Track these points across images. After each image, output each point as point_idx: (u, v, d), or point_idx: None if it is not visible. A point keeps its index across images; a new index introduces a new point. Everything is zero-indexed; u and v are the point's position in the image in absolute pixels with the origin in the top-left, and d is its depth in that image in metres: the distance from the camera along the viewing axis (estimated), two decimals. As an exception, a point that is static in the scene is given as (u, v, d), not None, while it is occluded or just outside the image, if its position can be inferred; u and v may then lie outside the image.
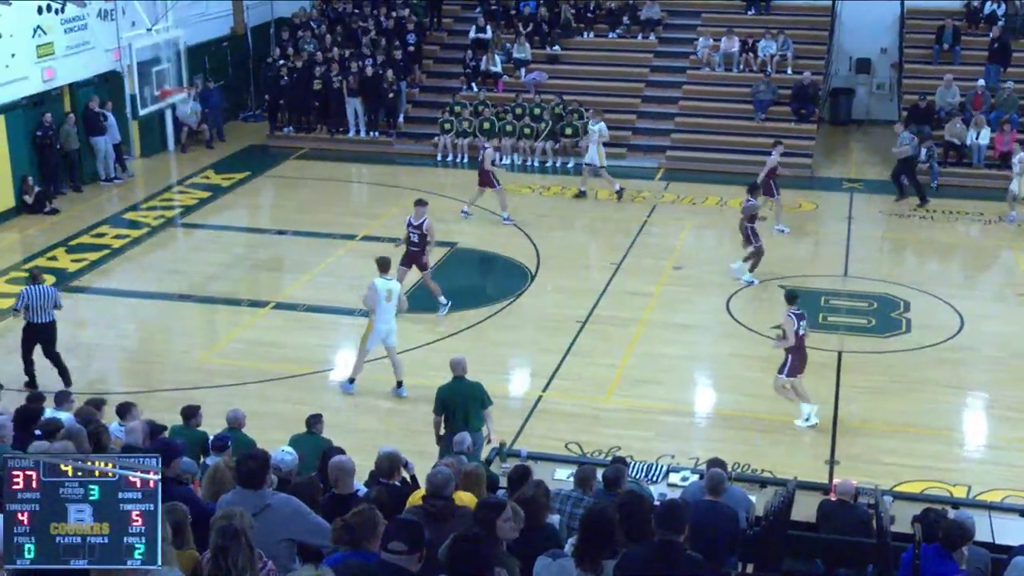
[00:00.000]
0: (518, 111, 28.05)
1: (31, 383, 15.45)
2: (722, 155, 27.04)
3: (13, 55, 23.00)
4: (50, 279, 18.36)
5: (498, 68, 29.71)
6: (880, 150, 27.81)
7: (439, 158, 27.69)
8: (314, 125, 29.47)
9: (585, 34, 31.02)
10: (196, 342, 17.76)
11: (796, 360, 14.52)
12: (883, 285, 19.72)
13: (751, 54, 29.27)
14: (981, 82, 27.10)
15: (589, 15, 31.11)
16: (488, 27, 30.47)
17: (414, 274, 18.21)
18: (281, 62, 29.58)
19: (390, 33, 30.47)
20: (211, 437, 11.57)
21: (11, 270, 20.52)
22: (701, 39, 29.80)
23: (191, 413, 12.14)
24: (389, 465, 9.01)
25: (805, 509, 10.46)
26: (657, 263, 20.80)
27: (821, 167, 27.16)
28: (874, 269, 20.59)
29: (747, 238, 19.43)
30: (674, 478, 11.46)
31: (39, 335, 15.74)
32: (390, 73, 28.54)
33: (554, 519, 8.13)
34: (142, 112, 26.08)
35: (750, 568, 9.50)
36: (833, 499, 10.29)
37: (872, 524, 9.86)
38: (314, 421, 12.07)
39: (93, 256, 21.23)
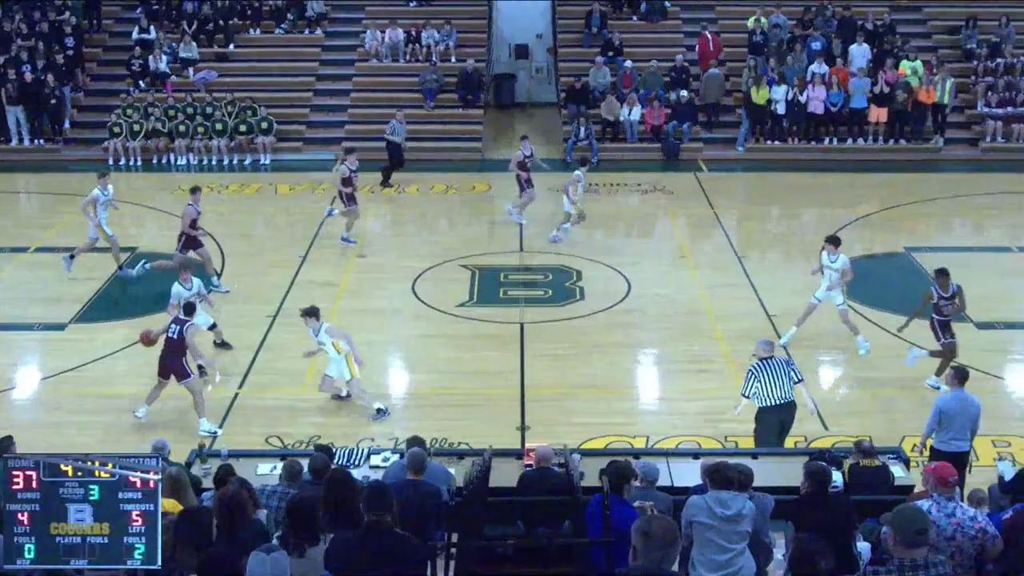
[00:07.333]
0: (189, 111, 27.28)
1: None
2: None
3: None
4: None
5: (164, 68, 28.73)
6: (543, 131, 28.93)
7: (111, 162, 26.42)
8: (-28, 136, 27.56)
9: (252, 31, 30.49)
10: None
11: None
12: (556, 257, 20.49)
13: (416, 44, 29.63)
14: (628, 63, 28.55)
15: (250, 11, 30.59)
16: (152, 27, 29.43)
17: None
18: (-69, 71, 27.45)
19: (47, 37, 28.84)
20: None
21: None
22: (368, 31, 29.91)
23: None
24: None
25: (504, 475, 10.76)
26: (342, 253, 20.78)
27: (490, 149, 27.87)
28: (547, 243, 21.23)
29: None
30: (376, 460, 11.52)
31: None
32: (51, 78, 27.03)
33: (260, 515, 8.02)
34: None
35: (455, 537, 9.67)
36: (533, 466, 10.56)
37: (566, 483, 10.22)
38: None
39: None
